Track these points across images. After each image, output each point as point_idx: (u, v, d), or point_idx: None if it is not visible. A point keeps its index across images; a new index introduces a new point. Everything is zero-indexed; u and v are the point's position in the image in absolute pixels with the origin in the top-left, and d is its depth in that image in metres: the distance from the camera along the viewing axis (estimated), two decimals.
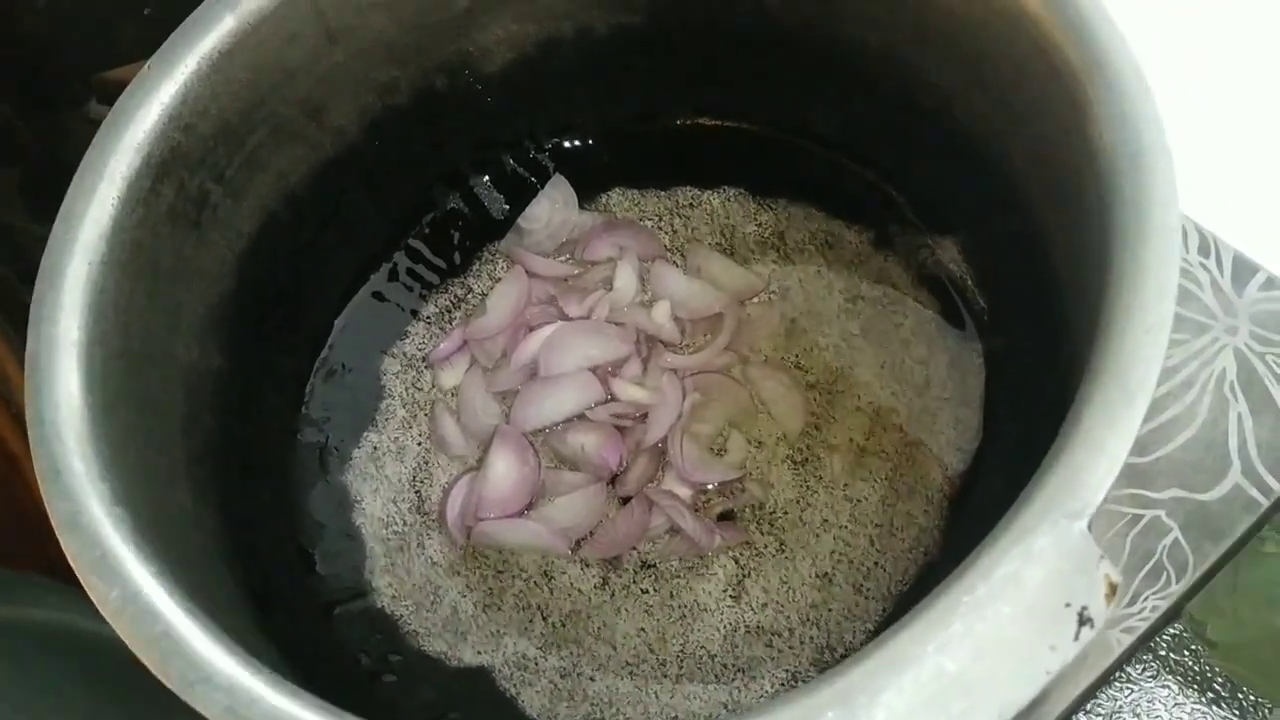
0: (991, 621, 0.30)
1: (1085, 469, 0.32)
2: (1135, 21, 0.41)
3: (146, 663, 0.34)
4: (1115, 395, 0.33)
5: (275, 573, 0.49)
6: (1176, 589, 0.51)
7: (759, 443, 0.52)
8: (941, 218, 0.54)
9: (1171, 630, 0.53)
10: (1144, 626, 0.50)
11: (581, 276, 0.57)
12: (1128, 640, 0.50)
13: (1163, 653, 0.53)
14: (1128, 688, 0.52)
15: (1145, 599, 0.51)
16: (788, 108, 0.57)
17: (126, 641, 0.34)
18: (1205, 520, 0.52)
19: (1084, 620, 0.31)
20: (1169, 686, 0.52)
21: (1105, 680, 0.50)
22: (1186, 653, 0.53)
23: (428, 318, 0.57)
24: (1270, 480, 0.52)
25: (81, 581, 0.36)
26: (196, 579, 0.38)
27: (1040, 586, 0.31)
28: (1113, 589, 0.31)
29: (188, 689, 0.33)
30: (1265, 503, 0.52)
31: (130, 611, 0.35)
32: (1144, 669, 0.52)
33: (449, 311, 0.57)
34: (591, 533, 0.51)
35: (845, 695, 0.30)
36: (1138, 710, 0.51)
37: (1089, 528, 0.31)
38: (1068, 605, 0.31)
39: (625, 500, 0.51)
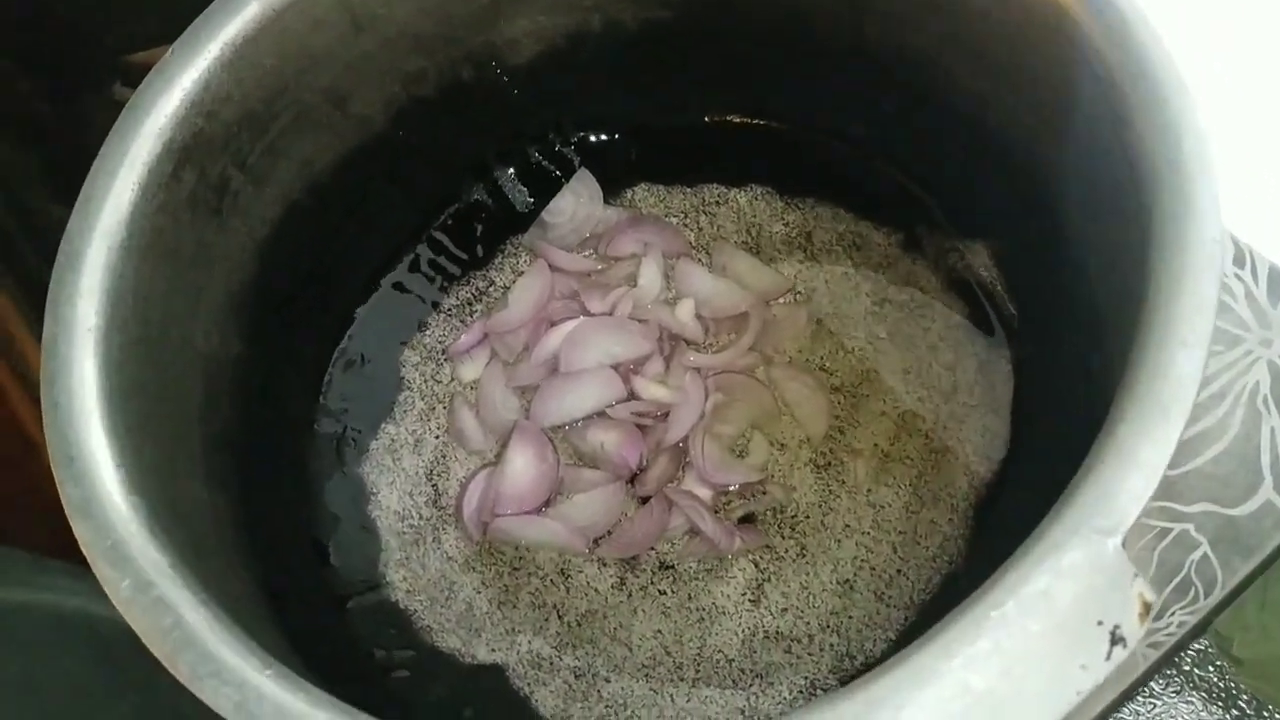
0: (1020, 638, 0.30)
1: (1120, 484, 0.31)
2: (1175, 29, 0.40)
3: (157, 654, 0.33)
4: (1152, 410, 0.32)
5: (289, 564, 0.49)
6: (1205, 604, 0.50)
7: (781, 445, 0.51)
8: (972, 222, 0.53)
9: (1197, 646, 0.52)
10: (1170, 642, 0.49)
11: (605, 272, 0.56)
12: (1154, 655, 0.49)
13: (1187, 668, 0.53)
14: (1150, 702, 0.51)
15: (1172, 614, 0.50)
16: (818, 107, 0.56)
17: (137, 632, 0.34)
18: (1235, 535, 0.51)
19: (1116, 639, 0.30)
20: (1192, 702, 0.51)
21: (1129, 696, 0.49)
22: (1211, 669, 0.52)
23: (448, 310, 0.56)
24: None
25: (93, 569, 0.35)
26: (209, 569, 0.38)
27: (1071, 603, 0.30)
28: (1147, 608, 0.30)
29: (197, 682, 0.33)
30: None
31: (141, 602, 0.34)
32: (1168, 684, 0.52)
33: (470, 304, 0.57)
34: (609, 532, 0.50)
35: (868, 709, 0.29)
36: None
37: (1123, 544, 0.31)
38: (1100, 623, 0.30)
39: (644, 500, 0.51)
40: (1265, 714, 0.54)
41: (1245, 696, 0.54)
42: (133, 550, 0.35)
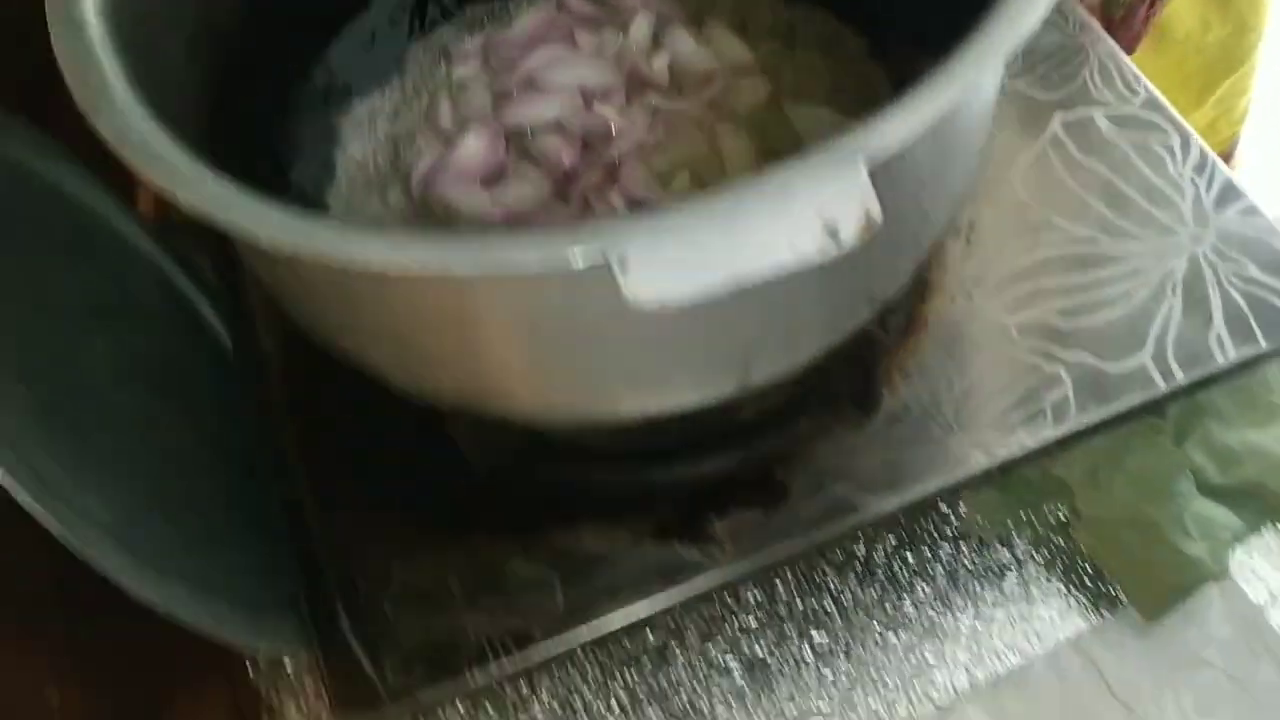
0: (754, 213, 0.34)
1: (891, 126, 0.35)
2: None
3: (81, 105, 0.38)
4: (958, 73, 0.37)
5: (248, 159, 0.54)
6: (1050, 434, 0.53)
7: (705, 185, 0.56)
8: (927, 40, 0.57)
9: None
10: (1004, 454, 0.52)
11: (605, 20, 0.61)
12: (984, 461, 0.52)
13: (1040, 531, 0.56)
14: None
15: (1015, 431, 0.53)
16: None
17: (74, 94, 0.39)
18: (1100, 386, 0.53)
19: (831, 233, 0.34)
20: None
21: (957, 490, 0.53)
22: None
23: (462, 21, 0.63)
24: (1176, 370, 0.53)
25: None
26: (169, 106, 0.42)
27: (804, 198, 0.34)
28: (870, 223, 0.34)
29: (93, 113, 0.38)
30: (1163, 387, 0.53)
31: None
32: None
33: (482, 22, 0.63)
34: (529, 218, 0.55)
35: (605, 233, 0.33)
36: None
37: (870, 171, 0.34)
38: (821, 218, 0.34)
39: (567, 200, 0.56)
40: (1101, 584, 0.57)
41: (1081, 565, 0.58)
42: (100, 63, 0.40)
